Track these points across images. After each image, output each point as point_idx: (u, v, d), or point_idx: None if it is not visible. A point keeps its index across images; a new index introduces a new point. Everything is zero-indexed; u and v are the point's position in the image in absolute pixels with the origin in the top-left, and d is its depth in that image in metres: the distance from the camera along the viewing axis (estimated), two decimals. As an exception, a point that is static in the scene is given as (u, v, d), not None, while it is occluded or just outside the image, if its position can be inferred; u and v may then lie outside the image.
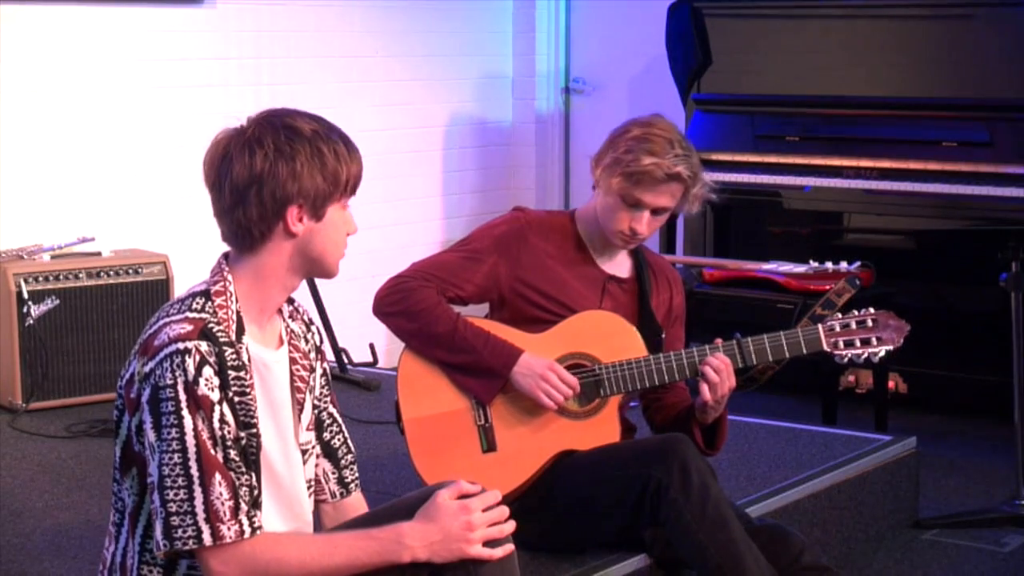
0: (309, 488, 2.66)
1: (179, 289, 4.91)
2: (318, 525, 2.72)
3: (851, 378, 5.38)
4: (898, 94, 5.66)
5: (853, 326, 3.39)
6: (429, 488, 2.60)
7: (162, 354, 2.39)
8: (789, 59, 5.92)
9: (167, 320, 2.44)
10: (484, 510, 2.51)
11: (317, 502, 2.72)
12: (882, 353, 3.40)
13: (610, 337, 3.36)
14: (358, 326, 5.20)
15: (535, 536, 3.25)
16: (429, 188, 6.77)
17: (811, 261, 5.14)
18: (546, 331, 3.37)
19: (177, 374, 2.38)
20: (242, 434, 2.45)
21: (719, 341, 3.37)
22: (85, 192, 5.40)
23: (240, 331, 2.49)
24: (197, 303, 2.46)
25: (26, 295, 4.77)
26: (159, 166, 5.59)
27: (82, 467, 4.26)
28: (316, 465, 2.70)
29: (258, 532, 2.44)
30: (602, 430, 3.35)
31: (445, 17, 6.73)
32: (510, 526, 2.54)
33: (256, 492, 2.47)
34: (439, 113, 6.78)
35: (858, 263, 4.98)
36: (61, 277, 4.85)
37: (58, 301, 4.84)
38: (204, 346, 2.40)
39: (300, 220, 2.48)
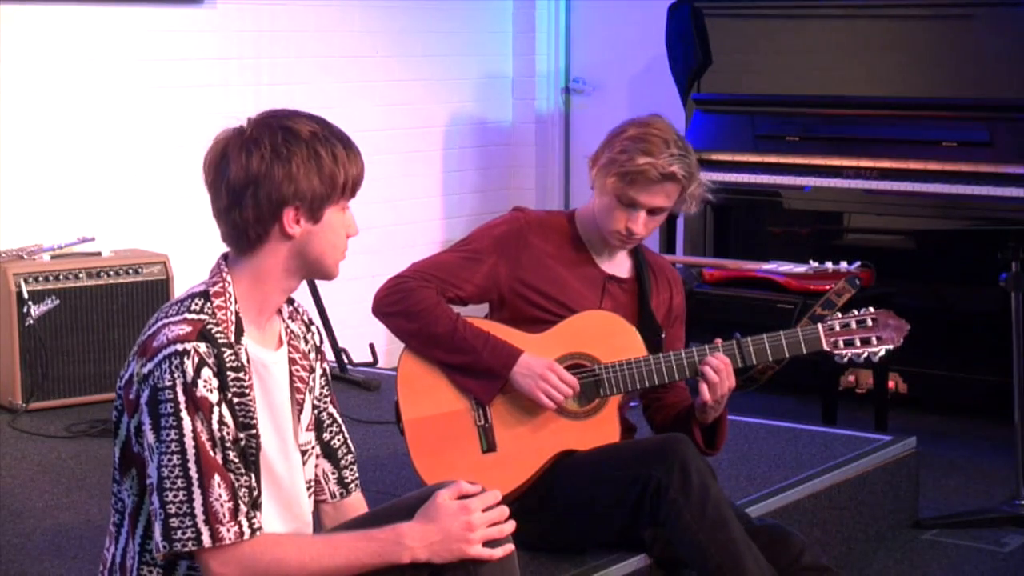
0: (309, 488, 2.66)
1: (179, 289, 4.91)
2: (318, 525, 2.72)
3: (851, 378, 5.38)
4: (898, 94, 5.66)
5: (853, 325, 3.39)
6: (429, 488, 2.60)
7: (161, 355, 2.39)
8: (789, 59, 5.92)
9: (166, 321, 2.44)
10: (484, 510, 2.51)
11: (317, 502, 2.72)
12: (882, 352, 3.40)
13: (610, 337, 3.36)
14: (358, 326, 5.20)
15: (535, 536, 3.25)
16: (429, 188, 6.77)
17: (811, 261, 5.14)
18: (546, 331, 3.37)
19: (176, 376, 2.37)
20: (241, 435, 2.45)
21: (719, 341, 3.37)
22: (85, 192, 5.40)
23: (239, 332, 2.48)
24: (196, 304, 2.46)
25: (26, 295, 4.77)
26: (159, 166, 5.59)
27: (82, 467, 4.26)
28: (316, 465, 2.70)
29: (258, 533, 2.44)
30: (602, 430, 3.35)
31: (445, 17, 6.73)
32: (510, 526, 2.54)
33: (256, 493, 2.47)
34: (439, 113, 6.78)
35: (858, 263, 4.98)
36: (61, 277, 4.85)
37: (58, 301, 4.84)
38: (203, 347, 2.40)
39: (297, 222, 2.48)
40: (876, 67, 5.72)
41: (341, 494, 2.74)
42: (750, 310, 5.16)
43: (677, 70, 6.11)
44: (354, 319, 5.49)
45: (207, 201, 2.52)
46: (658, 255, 3.66)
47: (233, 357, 2.44)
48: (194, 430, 2.38)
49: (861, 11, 5.79)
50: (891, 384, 5.40)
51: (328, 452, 2.72)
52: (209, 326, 2.43)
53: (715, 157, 5.87)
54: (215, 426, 2.40)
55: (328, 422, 2.73)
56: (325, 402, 2.72)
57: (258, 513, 2.47)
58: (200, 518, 2.38)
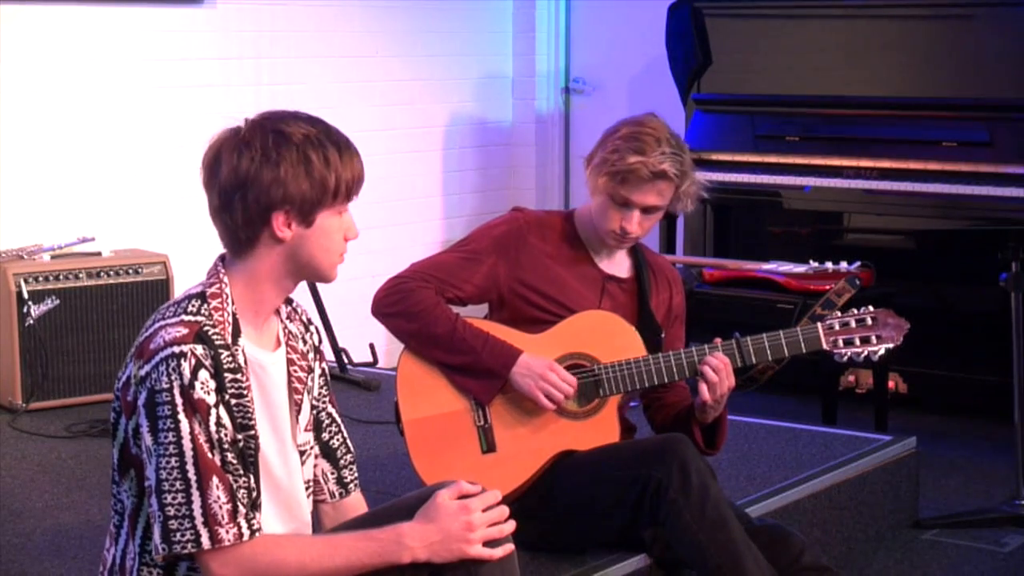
0: (308, 489, 2.65)
1: (179, 289, 4.91)
2: (317, 526, 2.72)
3: (851, 378, 5.38)
4: (898, 94, 5.66)
5: (852, 324, 3.39)
6: (429, 488, 2.60)
7: (157, 358, 2.39)
8: (789, 59, 5.92)
9: (163, 323, 2.43)
10: (484, 510, 2.51)
11: (316, 502, 2.72)
12: (882, 351, 3.40)
13: (609, 337, 3.36)
14: (358, 326, 5.19)
15: (535, 536, 3.25)
16: (429, 188, 6.77)
17: (811, 261, 5.14)
18: (545, 331, 3.37)
19: (173, 378, 2.37)
20: (239, 436, 2.45)
21: (718, 341, 3.37)
22: (85, 192, 5.40)
23: (236, 333, 2.48)
24: (193, 306, 2.46)
25: (26, 295, 4.77)
26: (159, 166, 5.59)
27: (82, 467, 4.26)
28: (315, 465, 2.70)
29: (257, 534, 2.43)
30: (601, 430, 3.35)
31: (445, 17, 6.73)
32: (510, 526, 2.54)
33: (255, 494, 2.47)
34: (439, 113, 6.78)
35: (858, 263, 4.98)
36: (61, 277, 4.85)
37: (58, 301, 4.84)
38: (199, 349, 2.40)
39: (288, 226, 2.46)
40: (876, 67, 5.72)
41: (340, 494, 2.74)
42: (750, 310, 5.16)
43: (677, 70, 6.11)
44: (354, 319, 5.48)
45: (206, 201, 2.52)
46: (658, 255, 3.66)
47: (230, 358, 2.44)
48: (192, 432, 2.37)
49: (861, 11, 5.79)
50: (891, 384, 5.40)
51: (327, 452, 2.72)
52: (206, 328, 2.43)
53: (715, 157, 5.87)
54: (213, 428, 2.39)
55: (327, 422, 2.72)
56: (324, 402, 2.71)
57: (257, 514, 2.46)
58: (199, 520, 2.38)
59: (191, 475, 2.37)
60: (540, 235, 3.45)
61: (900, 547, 4.30)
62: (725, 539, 3.11)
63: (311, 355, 2.66)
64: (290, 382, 2.59)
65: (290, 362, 2.59)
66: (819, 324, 3.38)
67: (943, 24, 5.62)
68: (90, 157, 5.43)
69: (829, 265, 5.03)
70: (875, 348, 3.39)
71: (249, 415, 2.47)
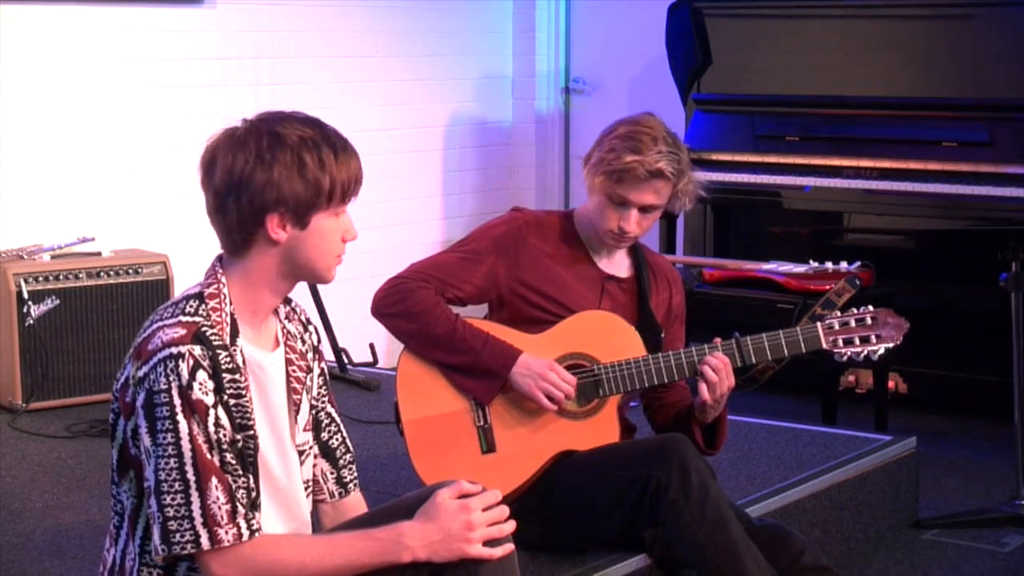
0: (307, 488, 2.65)
1: (179, 289, 4.90)
2: (317, 526, 2.72)
3: (851, 378, 5.38)
4: (898, 94, 5.66)
5: (852, 324, 3.39)
6: (429, 488, 2.59)
7: (155, 359, 2.38)
8: (789, 59, 5.92)
9: (160, 324, 2.43)
10: (484, 510, 2.51)
11: (316, 502, 2.71)
12: (881, 351, 3.40)
13: (609, 337, 3.36)
14: (358, 326, 5.19)
15: (535, 536, 3.25)
16: (429, 188, 6.77)
17: (811, 261, 5.14)
18: (545, 331, 3.37)
19: (171, 379, 2.37)
20: (238, 436, 2.45)
21: (718, 340, 3.37)
22: (85, 192, 5.40)
23: (234, 333, 2.47)
24: (190, 306, 2.45)
25: (26, 295, 4.77)
26: (159, 166, 5.59)
27: (82, 467, 4.26)
28: (314, 465, 2.70)
29: (257, 534, 2.43)
30: (601, 430, 3.35)
31: (445, 17, 6.73)
32: (510, 526, 2.54)
33: (254, 494, 2.47)
34: (439, 113, 6.78)
35: (858, 263, 4.98)
36: (61, 277, 4.85)
37: (58, 301, 4.84)
38: (197, 350, 2.39)
39: (283, 228, 2.46)
40: (876, 67, 5.72)
41: (340, 494, 2.73)
42: (750, 310, 5.16)
43: (677, 70, 6.11)
44: (354, 319, 5.49)
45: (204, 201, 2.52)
46: (657, 254, 3.66)
47: (228, 359, 2.44)
48: (190, 433, 2.37)
49: (861, 11, 5.79)
50: (891, 384, 5.40)
51: (326, 452, 2.72)
52: (204, 328, 2.42)
53: (715, 157, 5.87)
54: (211, 428, 2.39)
55: (326, 422, 2.72)
56: (323, 402, 2.71)
57: (257, 514, 2.46)
58: (198, 521, 2.38)
59: (190, 476, 2.37)
60: (540, 235, 3.45)
61: (900, 547, 4.30)
62: (725, 539, 3.11)
63: (310, 355, 2.66)
64: (289, 382, 2.59)
65: (288, 362, 2.59)
66: (819, 324, 3.38)
67: (943, 24, 5.62)
68: (90, 157, 5.42)
69: (829, 265, 5.03)
70: (875, 348, 3.39)
71: (248, 415, 2.47)
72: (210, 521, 2.38)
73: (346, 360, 5.32)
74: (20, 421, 4.70)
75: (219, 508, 2.38)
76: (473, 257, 3.41)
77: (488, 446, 3.35)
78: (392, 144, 6.47)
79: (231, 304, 2.49)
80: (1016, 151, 5.30)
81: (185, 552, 2.39)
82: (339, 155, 2.47)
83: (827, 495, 4.08)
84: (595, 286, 3.45)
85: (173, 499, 2.37)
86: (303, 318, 2.69)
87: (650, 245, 3.79)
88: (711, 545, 3.10)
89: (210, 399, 2.39)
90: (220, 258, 2.54)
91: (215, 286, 2.49)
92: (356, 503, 2.75)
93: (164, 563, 2.46)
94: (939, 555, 4.25)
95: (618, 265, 3.50)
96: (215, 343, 2.42)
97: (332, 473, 2.73)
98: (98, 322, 4.91)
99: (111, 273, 4.94)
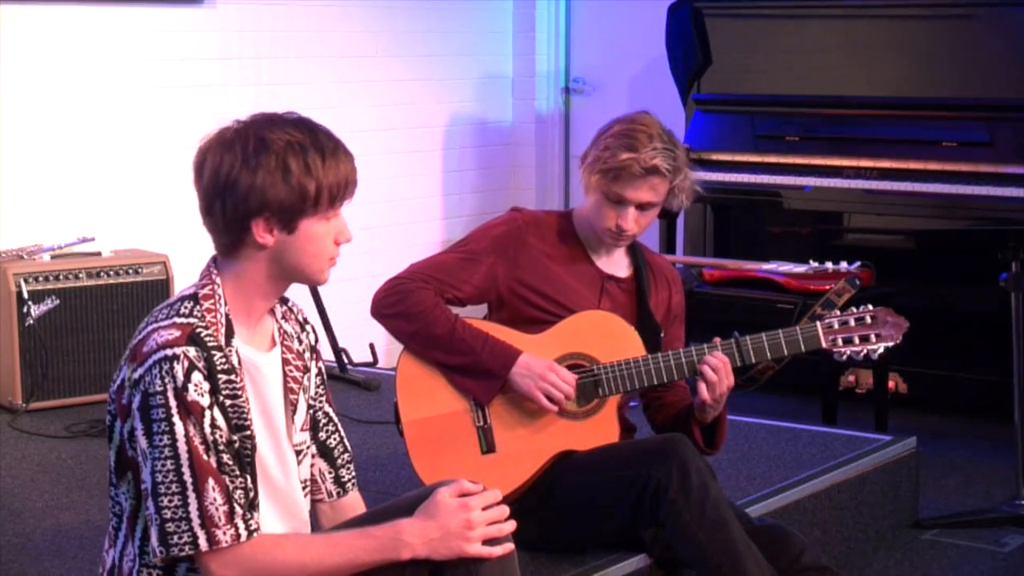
0: (304, 488, 2.65)
1: (179, 289, 4.90)
2: (316, 525, 2.72)
3: (851, 378, 5.37)
4: (898, 94, 5.66)
5: (852, 323, 3.38)
6: (428, 487, 2.59)
7: (150, 361, 2.38)
8: (789, 59, 5.92)
9: (155, 326, 2.43)
10: (484, 509, 2.51)
11: (314, 502, 2.71)
12: (881, 350, 3.40)
13: (608, 337, 3.36)
14: (358, 326, 5.19)
15: (535, 536, 3.25)
16: (429, 188, 6.77)
17: (811, 261, 5.14)
18: (544, 331, 3.37)
19: (166, 381, 2.37)
20: (235, 437, 2.44)
21: (718, 340, 3.37)
22: (85, 192, 5.40)
23: (229, 334, 2.47)
24: (185, 307, 2.45)
25: (26, 295, 4.77)
26: (159, 166, 5.59)
27: (82, 467, 4.26)
28: (312, 465, 2.69)
29: (255, 534, 2.43)
30: (601, 430, 3.35)
31: (445, 17, 6.73)
32: (510, 525, 2.53)
33: (252, 494, 2.47)
34: (439, 113, 6.78)
35: (858, 263, 4.98)
36: (61, 277, 4.85)
37: (58, 301, 4.84)
38: (192, 351, 2.39)
39: (269, 232, 2.44)
40: (876, 67, 5.72)
41: (338, 493, 2.73)
42: (750, 310, 5.16)
43: (677, 70, 6.11)
44: (354, 319, 5.48)
45: (198, 201, 2.52)
46: (657, 254, 3.66)
47: (223, 360, 2.43)
48: (186, 434, 2.37)
49: (861, 11, 5.79)
50: (891, 384, 5.40)
51: (324, 451, 2.72)
52: (198, 330, 2.42)
53: (715, 157, 5.87)
54: (207, 429, 2.39)
55: (324, 422, 2.72)
56: (321, 401, 2.71)
57: (256, 514, 2.46)
58: (196, 522, 2.37)
59: (187, 477, 2.37)
60: (539, 235, 3.44)
61: (900, 547, 4.30)
62: (725, 539, 3.11)
63: (307, 355, 2.65)
64: (285, 382, 2.58)
65: (285, 362, 2.59)
66: (818, 323, 3.37)
67: (943, 24, 5.62)
68: (90, 157, 5.43)
69: (829, 265, 5.03)
70: (874, 347, 3.38)
71: (244, 416, 2.46)
72: (208, 522, 2.38)
73: (346, 360, 5.32)
74: (20, 421, 4.70)
75: (216, 509, 2.38)
76: (472, 257, 3.41)
77: (488, 446, 3.35)
78: (392, 144, 6.47)
79: (226, 305, 2.48)
80: (1016, 151, 5.30)
81: (183, 553, 2.38)
82: (327, 159, 2.44)
83: (827, 495, 4.08)
84: (594, 286, 3.45)
85: (170, 501, 2.37)
86: (300, 318, 2.68)
87: (650, 245, 3.79)
88: (711, 545, 3.10)
89: (206, 400, 2.39)
90: (215, 259, 2.53)
91: (209, 287, 2.49)
92: (354, 503, 2.74)
93: (163, 564, 2.45)
94: (939, 555, 4.25)
95: (617, 265, 3.50)
96: (210, 344, 2.42)
97: (330, 473, 2.72)
98: (98, 322, 4.91)
99: (111, 273, 4.94)
